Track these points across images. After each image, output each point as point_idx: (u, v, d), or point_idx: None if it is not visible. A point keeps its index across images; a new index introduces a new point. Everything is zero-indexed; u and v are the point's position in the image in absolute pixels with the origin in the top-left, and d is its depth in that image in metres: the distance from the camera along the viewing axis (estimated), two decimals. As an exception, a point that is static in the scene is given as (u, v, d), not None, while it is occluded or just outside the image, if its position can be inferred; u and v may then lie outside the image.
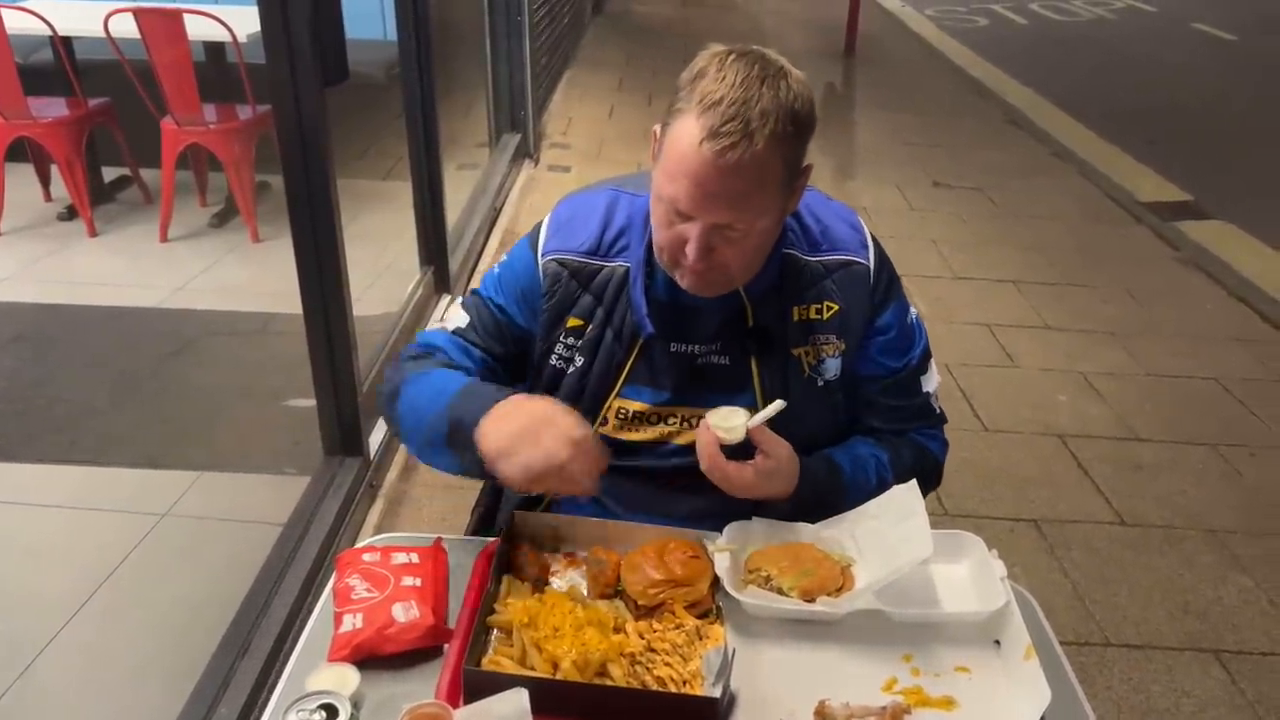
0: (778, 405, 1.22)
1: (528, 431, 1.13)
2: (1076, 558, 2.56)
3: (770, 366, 1.29)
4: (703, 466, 1.22)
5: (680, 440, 1.32)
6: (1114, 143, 6.08)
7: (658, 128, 1.20)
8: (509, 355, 1.34)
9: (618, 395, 1.31)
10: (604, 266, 1.30)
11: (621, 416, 1.32)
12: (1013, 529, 2.66)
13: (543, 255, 1.31)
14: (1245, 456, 3.03)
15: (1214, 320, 3.95)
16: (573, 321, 1.30)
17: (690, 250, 1.16)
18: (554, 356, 1.32)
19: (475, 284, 1.43)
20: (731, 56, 1.13)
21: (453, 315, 1.36)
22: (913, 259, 4.41)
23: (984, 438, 3.09)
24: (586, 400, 1.31)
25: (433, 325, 1.41)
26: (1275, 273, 4.29)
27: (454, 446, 1.20)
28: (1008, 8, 11.26)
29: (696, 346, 1.30)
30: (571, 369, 1.31)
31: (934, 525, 1.15)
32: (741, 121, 1.08)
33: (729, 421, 1.21)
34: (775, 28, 9.91)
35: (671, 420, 1.32)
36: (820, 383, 1.31)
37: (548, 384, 1.33)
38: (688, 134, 1.11)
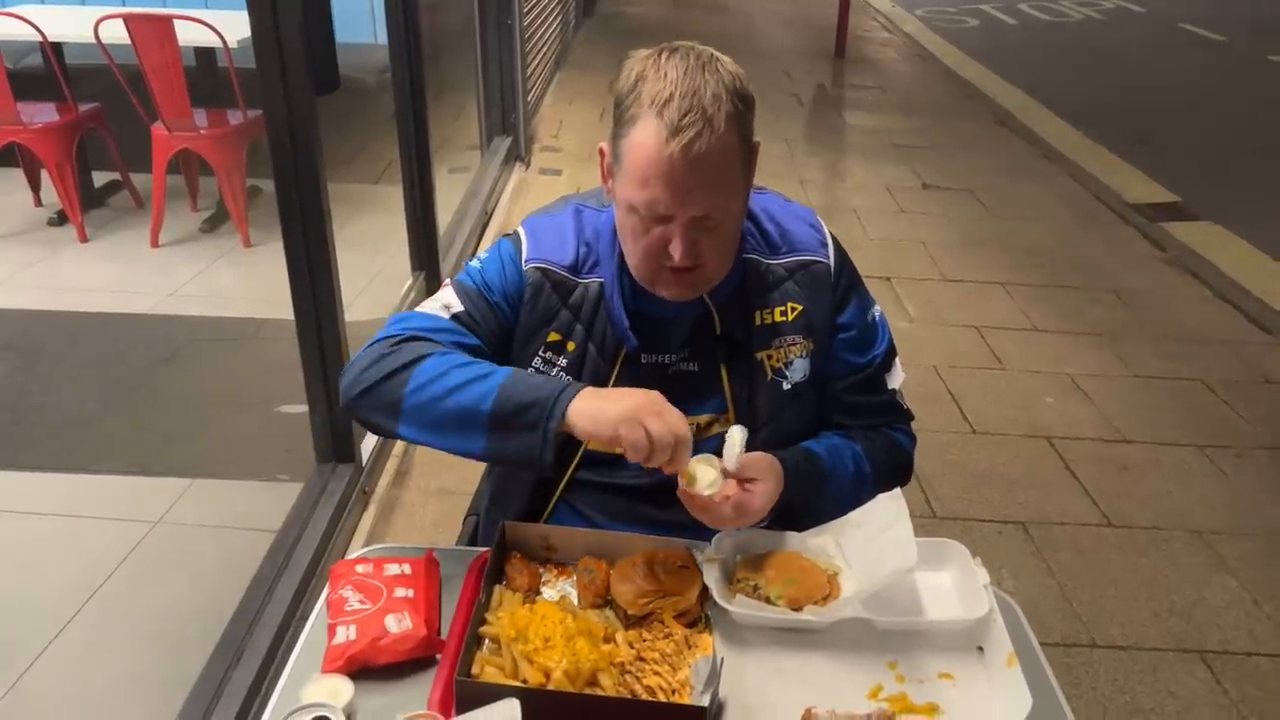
0: (739, 435, 1.20)
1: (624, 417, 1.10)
2: (1063, 559, 2.58)
3: (738, 371, 1.31)
4: (712, 525, 1.21)
5: None
6: (1102, 143, 6.12)
7: (604, 145, 1.22)
8: (498, 348, 1.32)
9: None
10: (580, 283, 1.30)
11: None
12: (1000, 531, 2.68)
13: (527, 261, 1.31)
14: (1230, 457, 3.06)
15: (1200, 321, 3.99)
16: (552, 336, 1.31)
17: (677, 248, 1.17)
18: (530, 370, 1.31)
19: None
20: (664, 54, 1.17)
21: (448, 297, 1.30)
22: (902, 261, 4.44)
23: (972, 439, 3.12)
24: None
25: (425, 307, 1.31)
26: (1261, 274, 4.33)
27: (496, 427, 1.15)
28: (997, 8, 11.31)
29: (669, 356, 1.32)
30: None
31: (922, 527, 1.17)
32: (699, 111, 1.11)
33: (706, 478, 1.19)
34: (765, 28, 9.94)
35: None
36: (786, 385, 1.33)
37: None
38: (650, 137, 1.13)
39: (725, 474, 1.20)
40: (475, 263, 1.34)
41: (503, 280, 1.31)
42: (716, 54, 1.18)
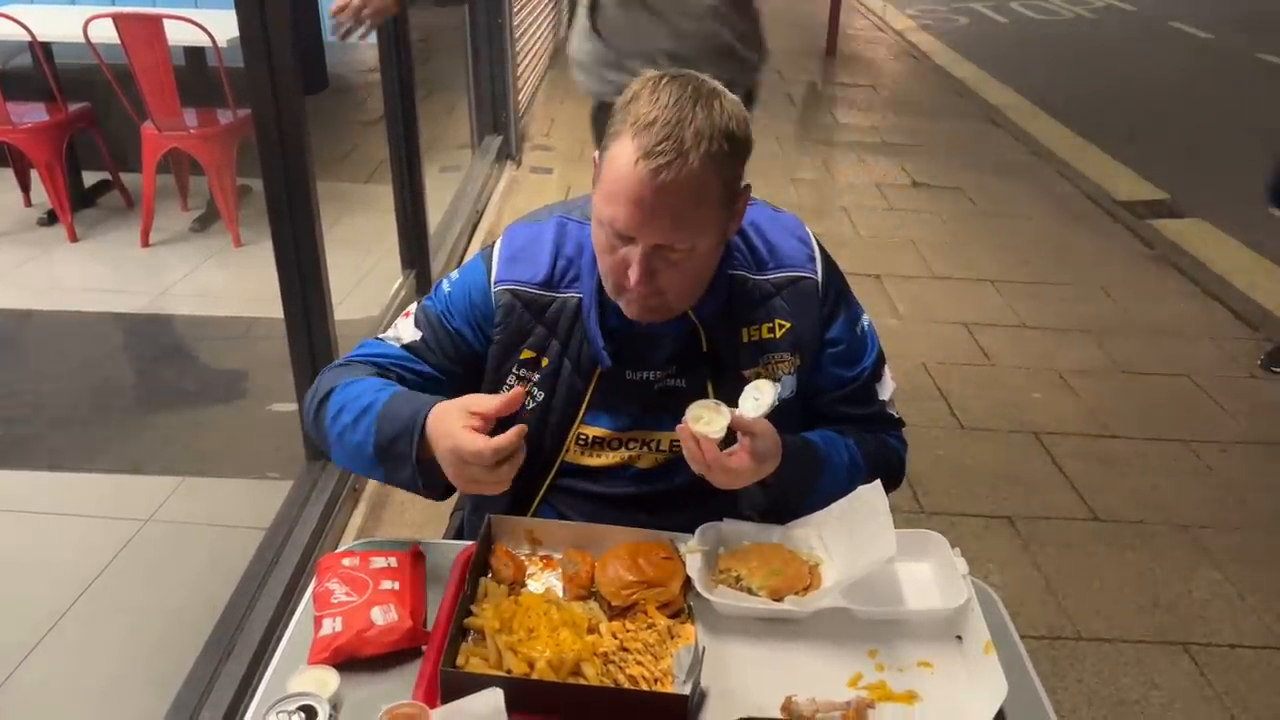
0: (772, 390, 1.21)
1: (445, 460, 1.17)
2: (1050, 553, 2.60)
3: (725, 389, 1.29)
4: (699, 470, 1.20)
5: (641, 464, 1.34)
6: (1092, 141, 6.15)
7: (596, 154, 1.22)
8: (459, 374, 1.33)
9: (580, 424, 1.32)
10: (556, 298, 1.30)
11: (582, 442, 1.33)
12: (987, 525, 2.70)
13: (495, 284, 1.30)
14: (1216, 452, 3.08)
15: (1187, 317, 4.02)
16: (526, 354, 1.30)
17: (632, 274, 1.16)
18: (505, 389, 1.31)
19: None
20: (665, 80, 1.15)
21: (403, 328, 1.34)
22: (892, 259, 4.45)
23: (960, 435, 3.13)
24: (550, 432, 1.32)
25: (382, 335, 1.36)
26: (1248, 270, 4.36)
27: (383, 462, 1.23)
28: (988, 6, 11.34)
29: (654, 373, 1.31)
30: (531, 404, 1.31)
31: (910, 522, 1.18)
32: (675, 141, 1.10)
33: (713, 424, 1.20)
34: (757, 27, 9.94)
35: (632, 445, 1.34)
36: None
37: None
38: (624, 155, 1.12)
39: (734, 427, 1.19)
40: (446, 285, 1.35)
41: (468, 304, 1.32)
42: (721, 91, 1.17)
